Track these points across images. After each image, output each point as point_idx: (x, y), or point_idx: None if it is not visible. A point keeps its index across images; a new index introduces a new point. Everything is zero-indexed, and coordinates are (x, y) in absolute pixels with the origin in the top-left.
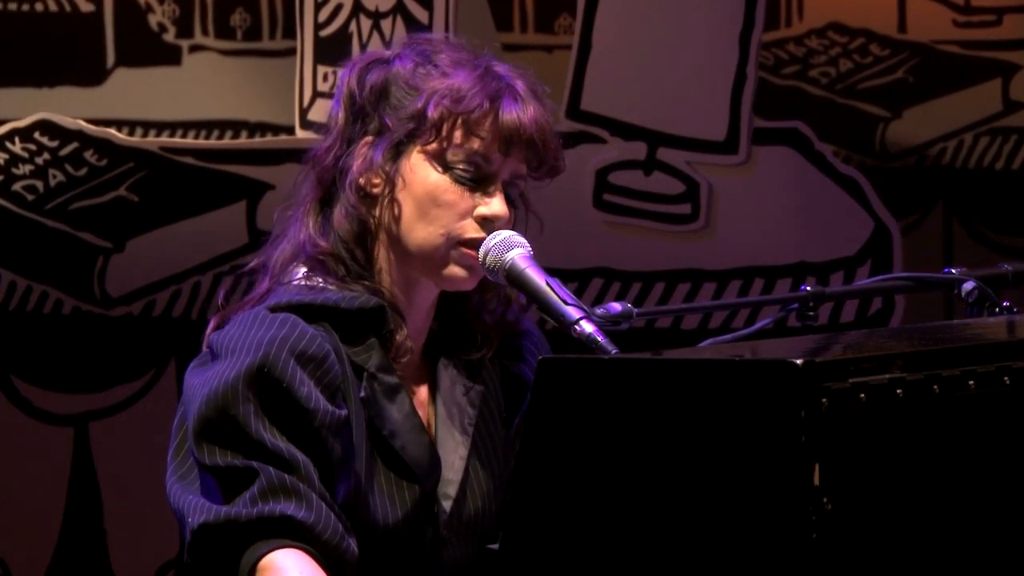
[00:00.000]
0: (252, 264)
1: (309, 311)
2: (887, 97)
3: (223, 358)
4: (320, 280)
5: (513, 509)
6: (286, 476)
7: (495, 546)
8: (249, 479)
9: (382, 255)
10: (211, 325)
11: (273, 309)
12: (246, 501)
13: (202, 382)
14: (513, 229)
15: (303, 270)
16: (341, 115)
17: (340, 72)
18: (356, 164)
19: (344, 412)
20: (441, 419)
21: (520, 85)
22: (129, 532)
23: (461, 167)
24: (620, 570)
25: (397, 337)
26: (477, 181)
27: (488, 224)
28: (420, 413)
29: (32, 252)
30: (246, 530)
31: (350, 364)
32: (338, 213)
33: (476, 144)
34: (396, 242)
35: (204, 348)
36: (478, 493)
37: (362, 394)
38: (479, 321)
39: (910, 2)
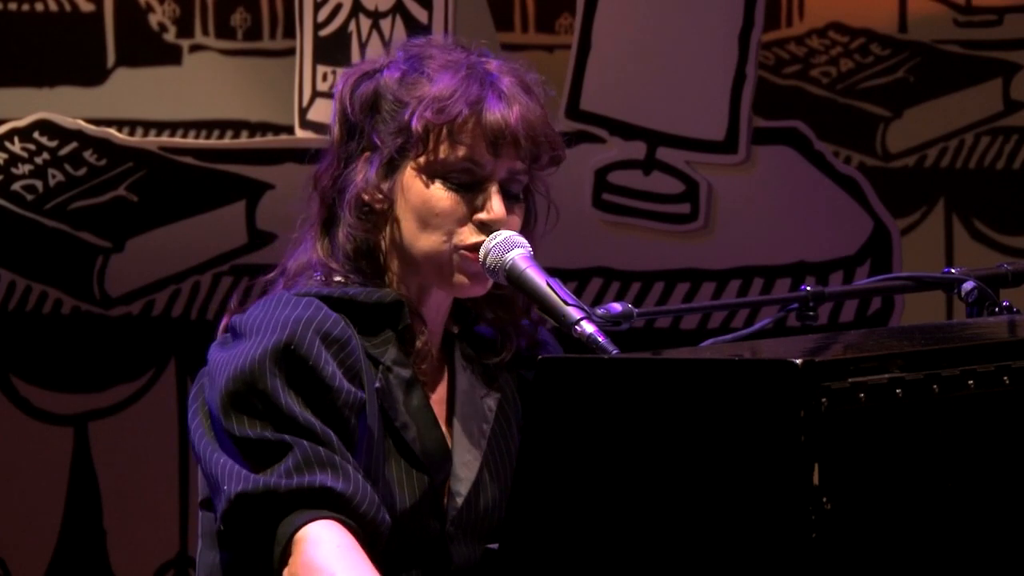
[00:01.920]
0: (271, 276)
1: (328, 302)
2: (888, 97)
3: (248, 337)
4: (340, 280)
5: (513, 509)
6: (321, 449)
7: (495, 546)
8: (282, 452)
9: (392, 267)
10: (224, 321)
11: (297, 294)
12: (282, 472)
13: (228, 357)
14: (533, 221)
15: (320, 274)
16: (336, 132)
17: (337, 80)
18: (354, 184)
19: (363, 395)
20: (458, 420)
21: (506, 82)
22: (128, 532)
23: (454, 175)
24: (620, 570)
25: (417, 343)
26: (470, 187)
27: (487, 228)
28: (435, 410)
29: (32, 252)
30: (285, 500)
31: (366, 356)
32: (342, 234)
33: (462, 151)
34: (404, 255)
35: (223, 334)
36: (489, 495)
37: (377, 385)
38: (505, 324)
39: (911, 2)
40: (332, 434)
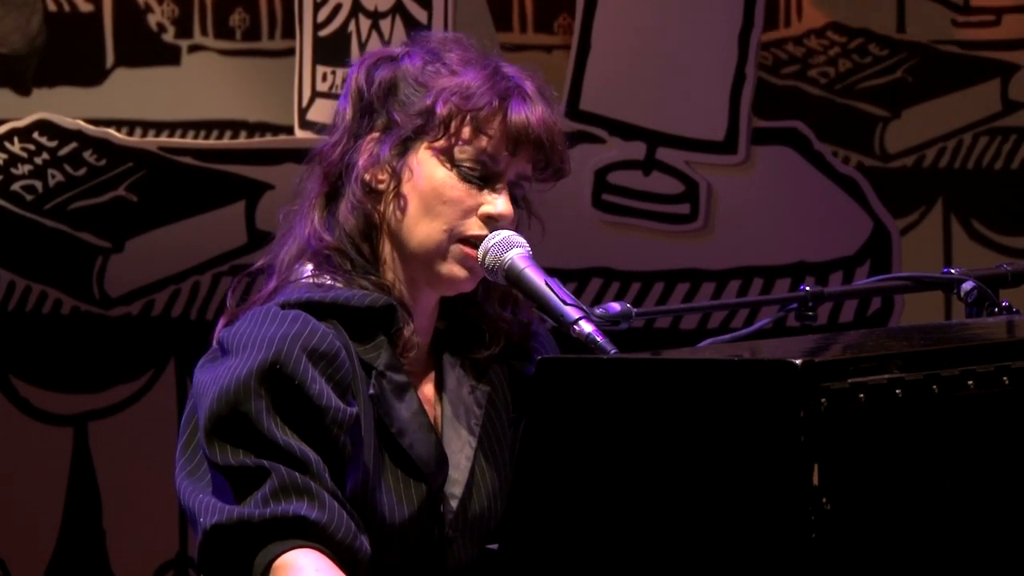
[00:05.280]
0: (258, 264)
1: (319, 309)
2: (886, 97)
3: (234, 354)
4: (328, 278)
5: (513, 509)
6: (298, 475)
7: (495, 546)
8: (261, 478)
9: (387, 251)
10: (220, 325)
11: (284, 306)
12: (258, 501)
13: (213, 378)
14: (515, 230)
15: (310, 267)
16: (348, 111)
17: (348, 69)
18: (363, 159)
19: (355, 409)
20: (447, 418)
21: (529, 86)
22: (128, 532)
23: (468, 165)
24: (620, 570)
25: (404, 332)
26: (483, 179)
27: (492, 223)
28: (427, 411)
29: (31, 252)
30: (259, 530)
31: (359, 362)
32: (344, 208)
33: (484, 142)
34: (400, 239)
35: (213, 345)
36: (484, 493)
37: (371, 391)
38: (488, 319)
39: (909, 2)
40: (312, 457)
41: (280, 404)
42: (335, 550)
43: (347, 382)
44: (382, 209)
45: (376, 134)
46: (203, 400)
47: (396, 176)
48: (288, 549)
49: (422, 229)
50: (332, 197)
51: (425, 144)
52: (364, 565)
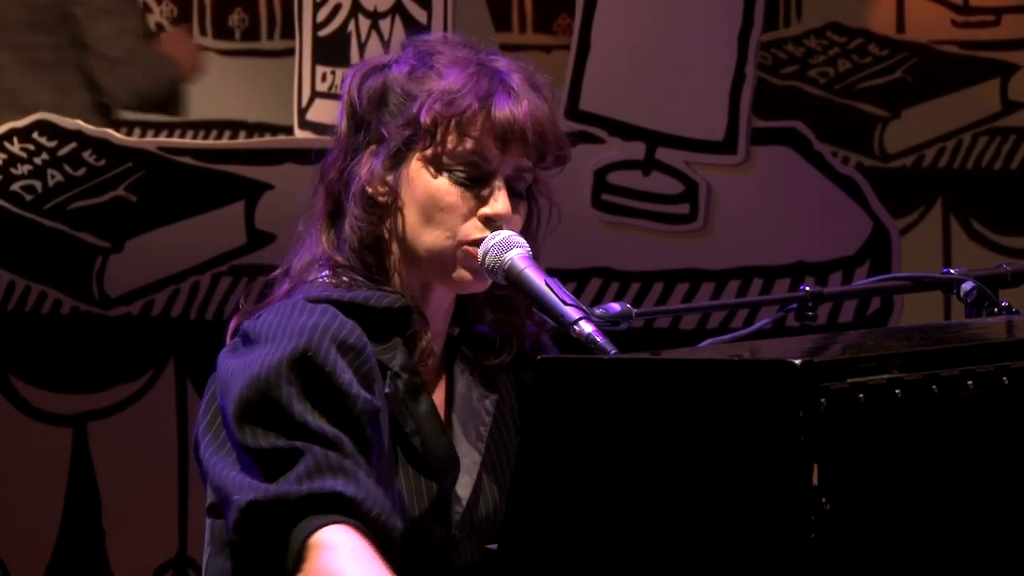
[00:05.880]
0: (275, 273)
1: (339, 307)
2: (886, 97)
3: (264, 343)
4: (346, 279)
5: (512, 508)
6: (331, 454)
7: (494, 546)
8: (294, 459)
9: (395, 262)
10: (233, 323)
11: (310, 300)
12: (293, 479)
13: (243, 364)
14: (536, 221)
15: (326, 271)
16: (344, 125)
17: (342, 78)
18: (361, 174)
19: (378, 403)
20: (456, 423)
21: (516, 79)
22: (127, 532)
23: (459, 169)
24: (619, 570)
25: (421, 342)
26: (477, 181)
27: (492, 223)
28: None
29: (31, 252)
30: (296, 507)
31: (376, 361)
32: (348, 225)
33: (470, 144)
34: (406, 249)
35: (232, 339)
36: (490, 497)
37: (387, 390)
38: (500, 326)
39: (909, 2)
40: (345, 439)
41: (311, 391)
42: (370, 527)
43: (372, 376)
44: (386, 222)
45: (373, 147)
46: (232, 386)
47: (393, 191)
48: (324, 524)
49: (426, 239)
50: (337, 214)
51: (416, 154)
52: (397, 544)
